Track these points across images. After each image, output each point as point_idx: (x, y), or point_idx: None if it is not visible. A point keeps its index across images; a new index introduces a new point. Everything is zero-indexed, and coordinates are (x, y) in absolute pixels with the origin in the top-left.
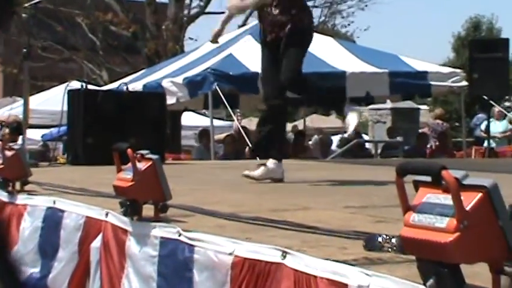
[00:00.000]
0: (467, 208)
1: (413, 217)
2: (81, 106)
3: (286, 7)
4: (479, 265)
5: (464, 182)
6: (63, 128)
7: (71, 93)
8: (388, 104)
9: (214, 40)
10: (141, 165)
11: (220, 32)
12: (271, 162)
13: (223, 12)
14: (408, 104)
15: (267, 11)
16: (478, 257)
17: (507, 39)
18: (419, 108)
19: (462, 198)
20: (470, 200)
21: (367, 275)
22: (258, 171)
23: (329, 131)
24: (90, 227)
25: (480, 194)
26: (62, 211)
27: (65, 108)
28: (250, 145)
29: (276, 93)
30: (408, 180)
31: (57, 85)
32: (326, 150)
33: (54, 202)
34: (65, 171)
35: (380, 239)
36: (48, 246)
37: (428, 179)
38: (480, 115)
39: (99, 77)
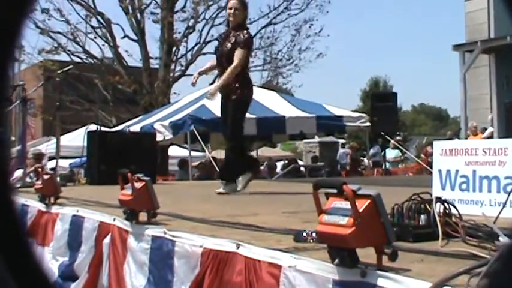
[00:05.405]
0: (360, 210)
1: (325, 217)
2: (97, 143)
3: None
4: (368, 249)
5: (358, 192)
6: (84, 159)
7: (90, 134)
8: (316, 139)
9: (194, 82)
10: (138, 185)
11: (198, 76)
12: (230, 182)
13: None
14: (330, 138)
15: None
16: (367, 243)
17: (395, 93)
18: (338, 142)
19: (357, 203)
20: (362, 205)
21: (295, 258)
22: (226, 188)
23: (275, 158)
24: (103, 229)
25: (368, 201)
26: (83, 217)
27: (85, 144)
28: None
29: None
30: (322, 192)
31: (80, 127)
32: (272, 172)
33: (77, 211)
34: (85, 190)
35: (305, 234)
36: (73, 242)
37: (334, 191)
38: (376, 147)
39: (110, 121)
